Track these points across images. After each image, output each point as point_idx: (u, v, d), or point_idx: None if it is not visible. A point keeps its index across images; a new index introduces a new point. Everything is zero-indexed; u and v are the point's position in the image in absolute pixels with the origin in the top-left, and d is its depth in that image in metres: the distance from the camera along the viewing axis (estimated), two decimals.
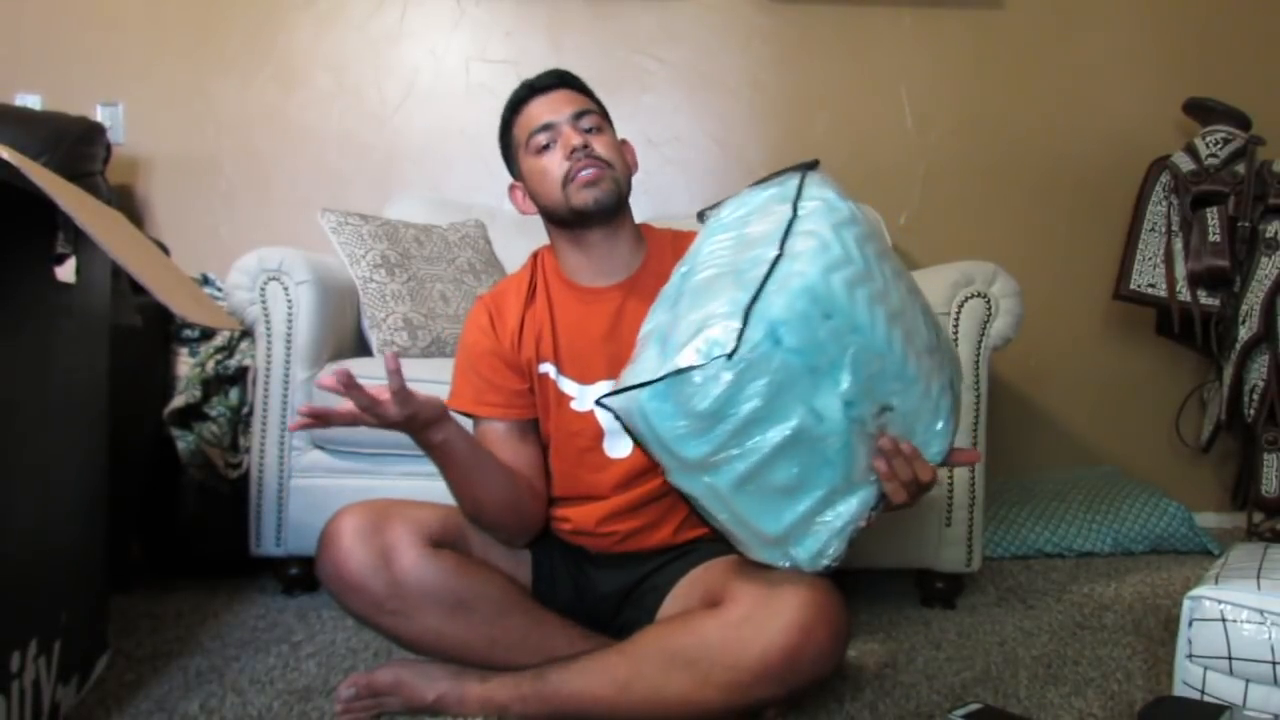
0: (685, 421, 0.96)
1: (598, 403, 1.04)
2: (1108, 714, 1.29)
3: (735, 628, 1.08)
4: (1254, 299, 2.29)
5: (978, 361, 1.74)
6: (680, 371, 0.94)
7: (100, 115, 2.45)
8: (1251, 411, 2.31)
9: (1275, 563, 1.28)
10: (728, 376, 0.93)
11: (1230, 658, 1.15)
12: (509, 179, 1.37)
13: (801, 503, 1.02)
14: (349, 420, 1.10)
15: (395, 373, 1.08)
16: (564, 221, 1.30)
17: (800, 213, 1.00)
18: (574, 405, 1.31)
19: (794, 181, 1.05)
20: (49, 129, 2.11)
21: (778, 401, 0.96)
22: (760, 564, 1.09)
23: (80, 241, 1.15)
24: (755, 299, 0.94)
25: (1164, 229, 2.42)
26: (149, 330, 1.89)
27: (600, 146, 1.27)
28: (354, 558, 1.20)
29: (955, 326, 1.73)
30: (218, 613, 1.70)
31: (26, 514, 1.05)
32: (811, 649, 1.06)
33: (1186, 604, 1.20)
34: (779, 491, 1.01)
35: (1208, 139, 2.38)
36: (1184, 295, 2.38)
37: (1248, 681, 1.15)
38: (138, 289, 1.58)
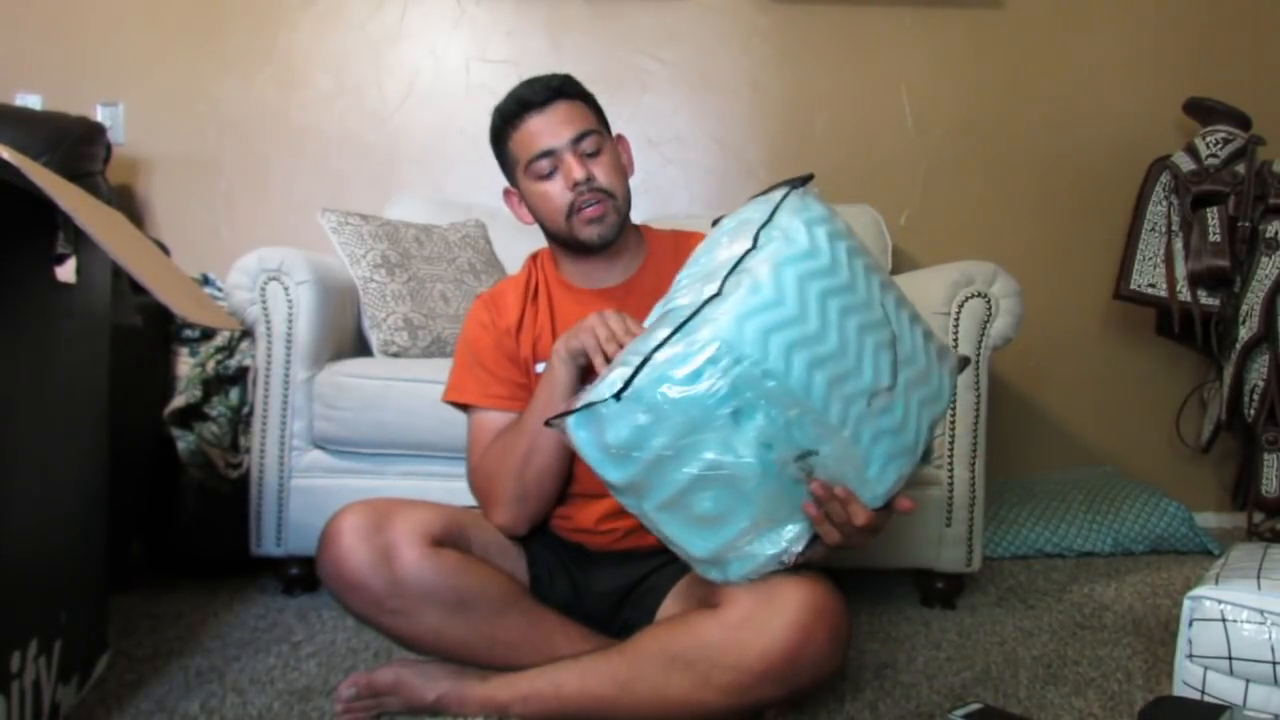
0: (600, 452, 1.01)
1: (546, 422, 1.06)
2: (1108, 714, 1.29)
3: (735, 628, 1.08)
4: (1254, 299, 2.29)
5: (978, 361, 1.74)
6: (590, 405, 0.98)
7: (100, 115, 2.45)
8: (1252, 411, 2.31)
9: (1275, 563, 1.28)
10: (621, 412, 0.96)
11: (1230, 658, 1.15)
12: (505, 180, 1.37)
13: (724, 533, 1.05)
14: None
15: None
16: (561, 243, 1.32)
17: (758, 243, 1.00)
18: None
19: (771, 204, 1.04)
20: (49, 129, 2.11)
21: (687, 440, 0.98)
22: (792, 549, 1.09)
23: (80, 241, 1.15)
24: (665, 341, 0.96)
25: (1164, 229, 2.42)
26: (149, 330, 1.89)
27: (602, 174, 1.27)
28: (354, 557, 1.20)
29: (955, 326, 1.73)
30: (218, 613, 1.70)
31: (26, 514, 1.05)
32: (811, 650, 1.06)
33: (1187, 604, 1.20)
34: (700, 520, 1.04)
35: (1208, 139, 2.38)
36: (1184, 295, 2.38)
37: (1248, 681, 1.15)
38: (138, 289, 1.58)
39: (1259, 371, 2.31)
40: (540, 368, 1.33)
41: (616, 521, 1.31)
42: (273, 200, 2.55)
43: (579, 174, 1.24)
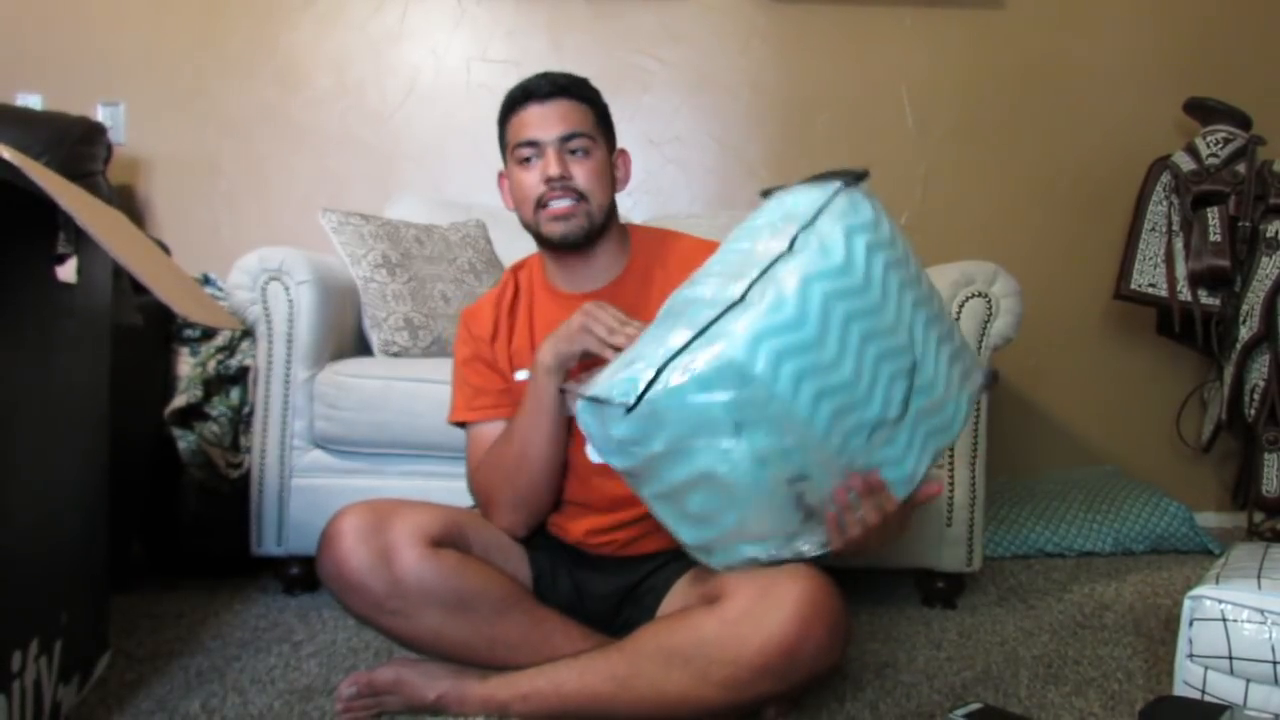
0: (604, 441, 1.03)
1: (561, 390, 1.09)
2: (1108, 714, 1.29)
3: (733, 624, 1.08)
4: (1254, 299, 2.29)
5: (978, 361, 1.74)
6: (596, 399, 0.99)
7: (101, 115, 2.45)
8: (1252, 411, 2.31)
9: (1276, 562, 1.28)
10: (630, 420, 0.97)
11: (1231, 657, 1.15)
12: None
13: (711, 530, 1.07)
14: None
15: None
16: (535, 237, 1.33)
17: (794, 247, 0.98)
18: None
19: (817, 203, 1.02)
20: (50, 129, 2.11)
21: (687, 444, 0.99)
22: (770, 558, 1.10)
23: (81, 241, 1.15)
24: (681, 350, 0.96)
25: (1165, 229, 2.42)
26: (150, 330, 1.89)
27: (581, 176, 1.27)
28: (354, 557, 1.20)
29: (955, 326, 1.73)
30: (218, 612, 1.70)
31: (27, 514, 1.05)
32: (810, 644, 1.07)
33: (1187, 604, 1.20)
34: (690, 515, 1.06)
35: (1208, 139, 2.38)
36: (1184, 295, 2.38)
37: (1248, 681, 1.15)
38: (139, 289, 1.58)
39: (1259, 371, 2.31)
40: (521, 375, 1.34)
41: (607, 535, 1.32)
42: (273, 200, 2.56)
43: (554, 170, 1.26)
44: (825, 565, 1.14)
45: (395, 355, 1.91)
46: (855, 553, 1.08)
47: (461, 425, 1.39)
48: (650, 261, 1.35)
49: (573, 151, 1.27)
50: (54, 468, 1.13)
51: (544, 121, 1.27)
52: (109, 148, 2.25)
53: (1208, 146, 2.37)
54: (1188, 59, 2.63)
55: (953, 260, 1.86)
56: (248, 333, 1.88)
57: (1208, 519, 2.58)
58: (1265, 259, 2.28)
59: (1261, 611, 1.14)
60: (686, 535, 1.09)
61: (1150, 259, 2.43)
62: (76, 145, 2.12)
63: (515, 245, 2.22)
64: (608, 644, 1.21)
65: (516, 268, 1.43)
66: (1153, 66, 2.64)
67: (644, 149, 2.56)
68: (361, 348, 1.99)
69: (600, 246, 1.33)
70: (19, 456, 1.02)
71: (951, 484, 1.75)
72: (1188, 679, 1.20)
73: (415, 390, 1.74)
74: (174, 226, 2.51)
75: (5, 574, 0.99)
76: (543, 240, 1.31)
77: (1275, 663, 1.12)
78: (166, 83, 2.53)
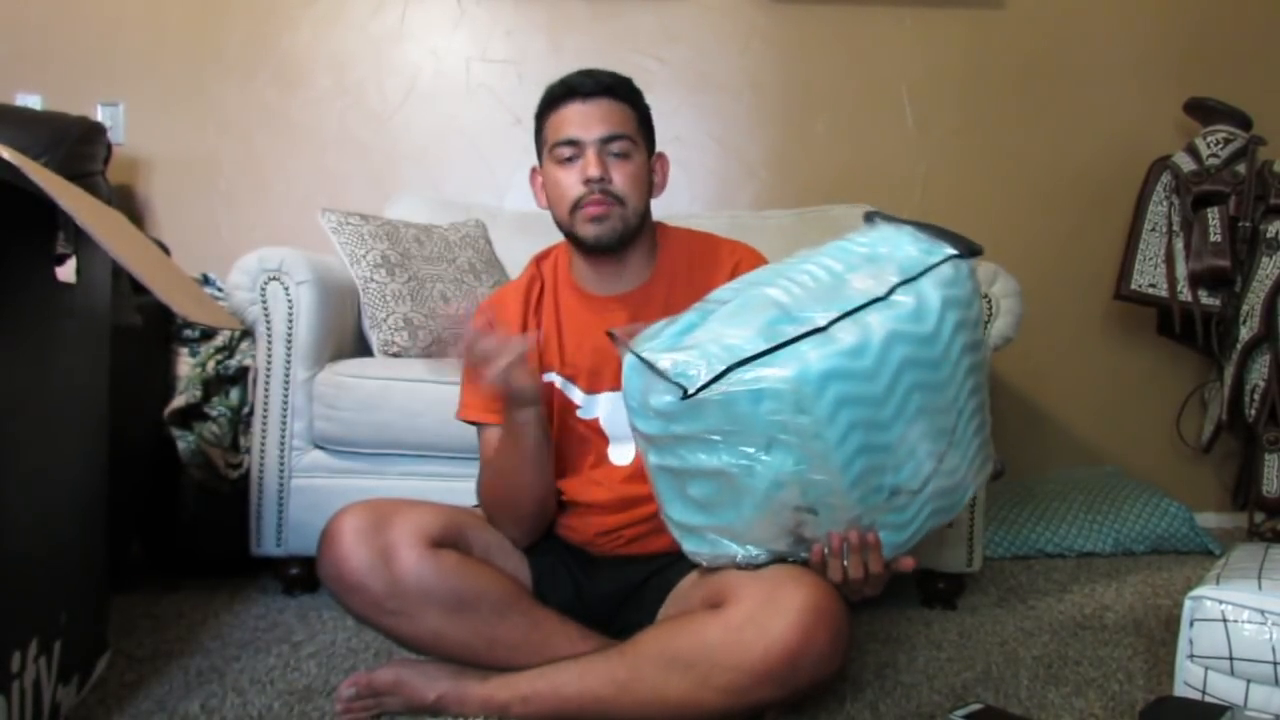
0: (639, 401, 1.03)
1: (608, 333, 1.07)
2: (1109, 714, 1.29)
3: (736, 629, 1.08)
4: (1255, 299, 2.29)
5: None
6: (652, 366, 0.99)
7: (101, 115, 2.45)
8: (1252, 411, 2.31)
9: (1276, 563, 1.28)
10: (681, 402, 0.97)
11: (1231, 658, 1.15)
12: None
13: (700, 517, 1.08)
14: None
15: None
16: (568, 237, 1.31)
17: (890, 298, 0.98)
18: (579, 413, 1.32)
19: (926, 260, 1.02)
20: (50, 129, 2.11)
21: (714, 439, 0.99)
22: (752, 566, 1.11)
23: (81, 241, 1.15)
24: (753, 358, 0.96)
25: (1165, 229, 2.42)
26: (149, 330, 1.89)
27: (620, 179, 1.26)
28: (354, 557, 1.20)
29: None
30: (218, 613, 1.70)
31: (26, 514, 1.05)
32: (812, 652, 1.06)
33: (1188, 604, 1.20)
34: (689, 497, 1.07)
35: (1208, 139, 2.38)
36: (1185, 295, 2.37)
37: (1249, 682, 1.15)
38: (138, 289, 1.58)
39: (1260, 371, 2.31)
40: (549, 377, 1.32)
41: (616, 534, 1.31)
42: (273, 200, 2.55)
43: (594, 171, 1.24)
44: None
45: (395, 355, 1.91)
46: None
47: (469, 423, 1.37)
48: (676, 265, 1.35)
49: (614, 154, 1.26)
50: (54, 468, 1.13)
51: (586, 121, 1.25)
52: (108, 148, 2.25)
53: (1208, 147, 2.37)
54: (1188, 59, 2.63)
55: None
56: (247, 333, 1.88)
57: (1208, 519, 2.58)
58: (1265, 259, 2.28)
59: (1262, 612, 1.14)
60: (674, 511, 1.09)
61: (1150, 259, 2.43)
62: (76, 145, 2.12)
63: (515, 245, 2.23)
64: (608, 646, 1.21)
65: (540, 258, 1.41)
66: (1153, 66, 2.64)
67: None
68: (361, 348, 1.99)
69: (632, 251, 1.32)
70: (19, 456, 1.02)
71: None
72: (1188, 680, 1.20)
73: (415, 390, 1.74)
74: (173, 226, 2.51)
75: (5, 574, 0.99)
76: (576, 241, 1.30)
77: (1276, 663, 1.12)
78: (166, 83, 2.52)
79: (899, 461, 1.02)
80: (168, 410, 1.86)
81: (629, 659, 1.14)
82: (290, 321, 1.79)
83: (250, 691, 1.33)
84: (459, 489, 1.69)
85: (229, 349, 1.93)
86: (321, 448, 1.80)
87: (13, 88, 2.44)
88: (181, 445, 1.85)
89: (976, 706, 1.21)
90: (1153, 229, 2.44)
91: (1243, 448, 2.46)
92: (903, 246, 1.04)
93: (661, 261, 1.35)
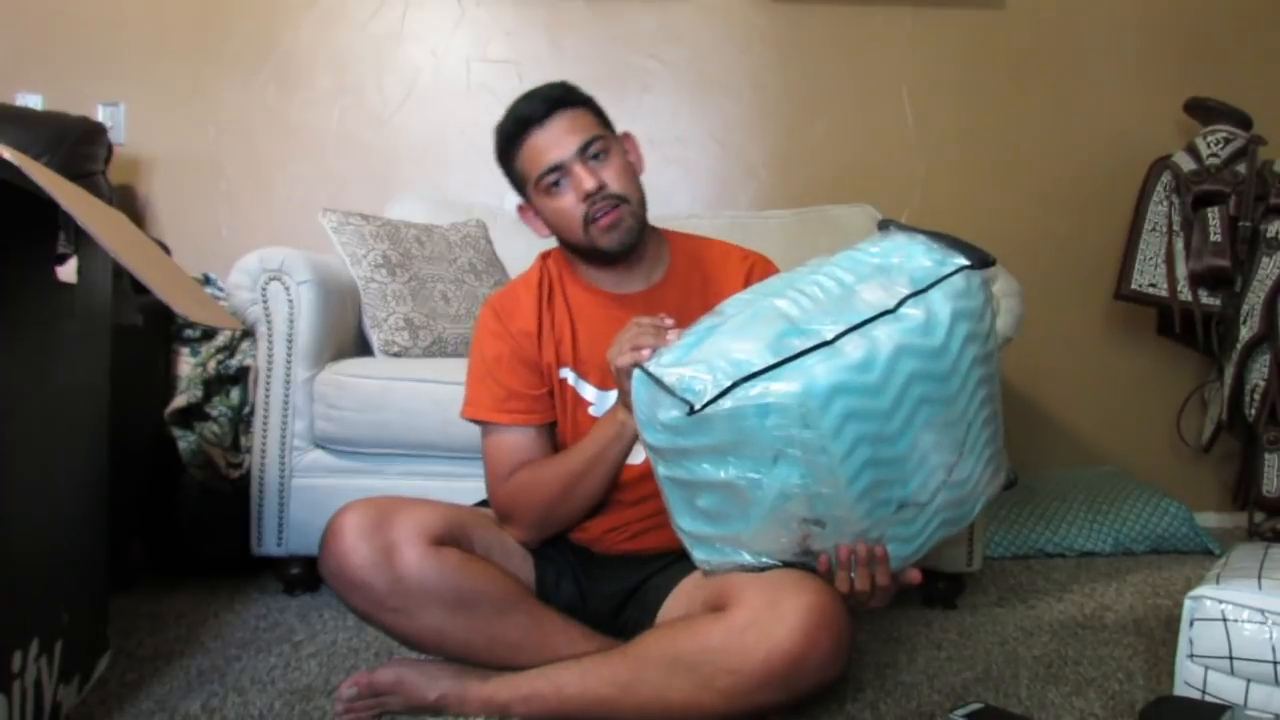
0: (647, 413, 1.03)
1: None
2: (1109, 714, 1.29)
3: (738, 633, 1.08)
4: (1255, 299, 2.29)
5: None
6: (659, 381, 1.00)
7: (102, 115, 2.45)
8: (1253, 411, 2.31)
9: (1276, 562, 1.28)
10: (688, 418, 0.98)
11: (1231, 657, 1.15)
12: (517, 195, 1.36)
13: (709, 528, 1.09)
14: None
15: None
16: (586, 255, 1.31)
17: (898, 311, 0.98)
18: (591, 410, 1.32)
19: (938, 271, 1.01)
20: (51, 129, 2.11)
21: (722, 452, 1.00)
22: (755, 568, 1.11)
23: (82, 241, 1.15)
24: (760, 373, 0.95)
25: (1165, 229, 2.42)
26: (150, 330, 1.89)
27: (613, 179, 1.25)
28: (357, 554, 1.19)
29: None
30: (219, 612, 1.70)
31: (27, 514, 1.05)
32: (814, 656, 1.06)
33: (1188, 604, 1.20)
34: (698, 508, 1.07)
35: (1209, 139, 2.38)
36: (1185, 295, 2.37)
37: (1249, 681, 1.15)
38: (139, 289, 1.58)
39: (1260, 371, 2.31)
40: (564, 373, 1.32)
41: (623, 529, 1.32)
42: (274, 200, 2.56)
43: (590, 184, 1.23)
44: None
45: (395, 355, 1.91)
46: None
47: (476, 422, 1.35)
48: (689, 265, 1.35)
49: (594, 157, 1.25)
50: (54, 467, 1.13)
51: (555, 141, 1.24)
52: (109, 148, 2.25)
53: (1208, 146, 2.37)
54: (1188, 59, 2.63)
55: None
56: (248, 333, 1.88)
57: (1208, 519, 2.58)
58: (1266, 259, 2.28)
59: (1262, 611, 1.14)
60: (684, 522, 1.10)
61: (1151, 259, 2.43)
62: (77, 145, 2.12)
63: (515, 245, 2.23)
64: (610, 647, 1.21)
65: (546, 255, 1.40)
66: (1153, 66, 2.64)
67: (644, 149, 2.53)
68: (362, 348, 1.99)
69: (645, 244, 1.32)
70: (19, 456, 1.02)
71: None
72: (1188, 679, 1.20)
73: (415, 390, 1.74)
74: (174, 226, 2.51)
75: (5, 574, 0.99)
76: (599, 254, 1.28)
77: (1275, 663, 1.12)
78: (166, 83, 2.53)
79: (907, 474, 1.02)
80: (168, 410, 1.86)
81: (631, 660, 1.14)
82: (291, 321, 1.79)
83: (251, 691, 1.33)
84: (459, 488, 1.69)
85: (230, 349, 1.93)
86: (322, 447, 1.80)
87: (13, 88, 2.44)
88: (182, 445, 1.85)
89: (976, 706, 1.21)
90: (1153, 229, 2.44)
91: (1243, 447, 2.46)
92: (915, 257, 1.03)
93: (674, 263, 1.36)
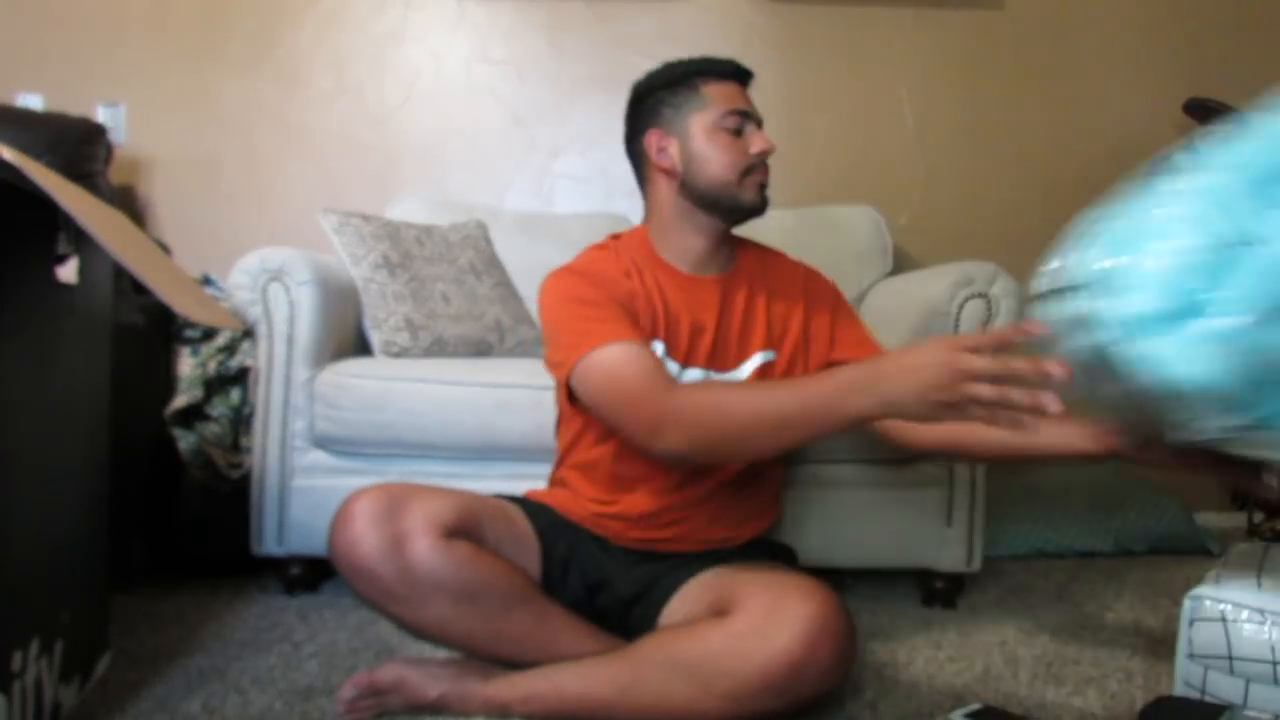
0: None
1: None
2: (1108, 714, 1.29)
3: (740, 638, 1.08)
4: None
5: None
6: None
7: (102, 116, 2.45)
8: None
9: (1276, 562, 1.28)
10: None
11: (1231, 657, 1.15)
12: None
13: None
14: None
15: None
16: (707, 202, 1.34)
17: None
18: None
19: None
20: (51, 130, 2.12)
21: None
22: (766, 568, 1.11)
23: (82, 241, 1.15)
24: None
25: None
26: (150, 330, 1.89)
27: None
28: (366, 543, 1.18)
29: (956, 327, 1.73)
30: (219, 612, 1.70)
31: (27, 514, 1.05)
32: (815, 664, 1.06)
33: (1187, 604, 1.20)
34: None
35: None
36: None
37: (1248, 681, 1.15)
38: (139, 289, 1.58)
39: None
40: (656, 345, 1.30)
41: (660, 515, 1.33)
42: (274, 200, 2.56)
43: (768, 146, 1.32)
44: (829, 569, 1.14)
45: (396, 356, 1.91)
46: None
47: (602, 350, 1.21)
48: (757, 263, 1.43)
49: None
50: (55, 468, 1.13)
51: (748, 102, 1.37)
52: (109, 148, 2.25)
53: None
54: (1188, 59, 2.63)
55: (953, 260, 1.86)
56: (248, 333, 1.89)
57: (1208, 519, 2.58)
58: None
59: (1261, 611, 1.14)
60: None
61: None
62: (77, 146, 2.12)
63: (516, 245, 2.23)
64: (612, 649, 1.21)
65: (614, 237, 1.42)
66: (1153, 66, 2.64)
67: None
68: (362, 348, 1.99)
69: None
70: (20, 457, 1.02)
71: (951, 484, 1.75)
72: (1187, 679, 1.20)
73: (416, 391, 1.74)
74: (174, 227, 2.52)
75: (5, 574, 1.00)
76: (733, 205, 1.33)
77: (1275, 663, 1.12)
78: (167, 83, 2.53)
79: None
80: (169, 410, 1.86)
81: (632, 662, 1.15)
82: (291, 322, 1.79)
83: (251, 691, 1.33)
84: (460, 489, 1.70)
85: (230, 349, 1.94)
86: (322, 448, 1.80)
87: (13, 88, 2.44)
88: (183, 445, 1.85)
89: (976, 706, 1.21)
90: None
91: None
92: None
93: (743, 258, 1.42)
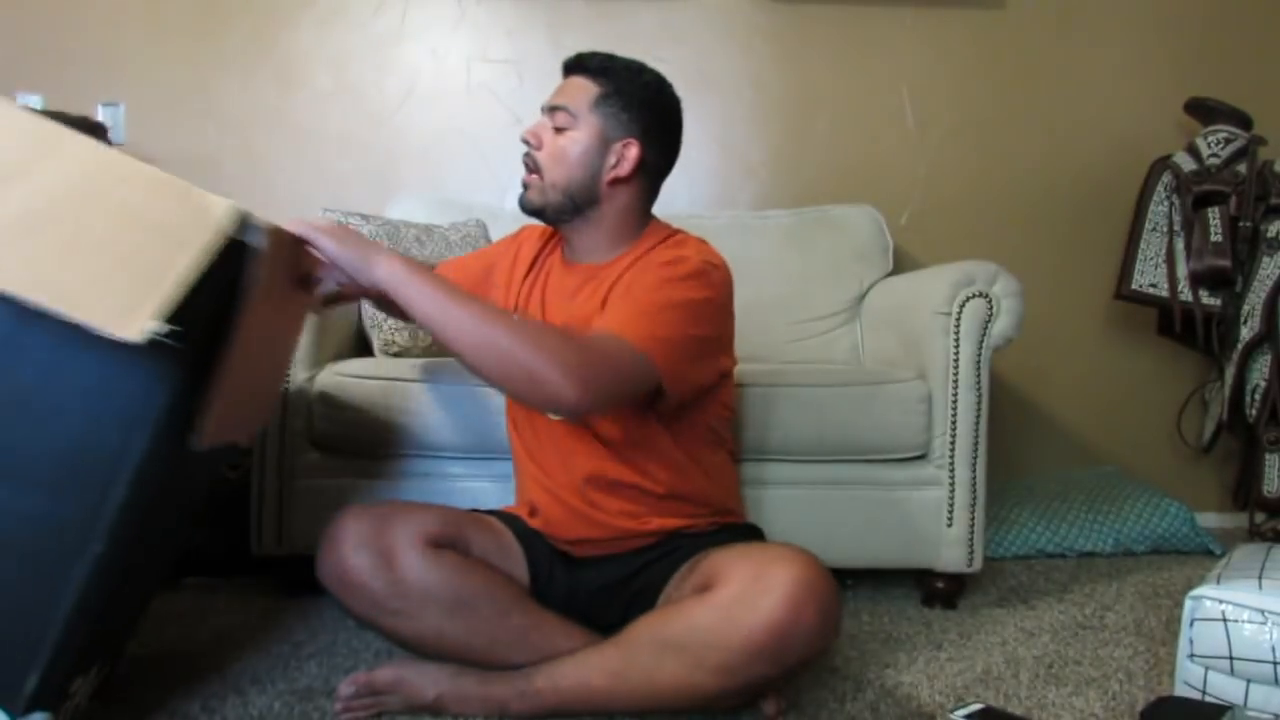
0: None
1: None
2: (1109, 714, 1.29)
3: (726, 609, 1.09)
4: (1255, 299, 2.29)
5: (979, 361, 1.74)
6: None
7: (101, 115, 2.45)
8: (1253, 411, 2.31)
9: (1277, 563, 1.28)
10: None
11: (1231, 658, 1.15)
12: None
13: None
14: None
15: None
16: None
17: None
18: None
19: None
20: None
21: None
22: (748, 546, 1.12)
23: None
24: None
25: (1165, 229, 2.42)
26: None
27: (545, 150, 1.30)
28: (355, 559, 1.20)
29: (957, 326, 1.73)
30: (219, 612, 1.70)
31: (140, 560, 1.07)
32: (802, 626, 1.07)
33: (1188, 604, 1.20)
34: None
35: (1209, 139, 2.38)
36: (1185, 295, 2.37)
37: (1249, 681, 1.15)
38: None
39: (1260, 371, 2.31)
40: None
41: (595, 544, 1.32)
42: (273, 200, 2.55)
43: (527, 134, 1.31)
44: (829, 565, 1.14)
45: (395, 355, 1.91)
46: None
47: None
48: (650, 253, 1.32)
49: (555, 126, 1.30)
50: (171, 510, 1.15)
51: (556, 90, 1.33)
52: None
53: (1208, 146, 2.37)
54: (1188, 59, 2.63)
55: (953, 260, 1.86)
56: None
57: (1209, 519, 2.58)
58: (1266, 259, 2.28)
59: (1262, 612, 1.14)
60: None
61: (1151, 259, 2.43)
62: None
63: None
64: (604, 640, 1.21)
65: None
66: (1153, 66, 2.64)
67: None
68: (361, 348, 1.99)
69: (579, 228, 1.33)
70: (159, 510, 1.04)
71: (952, 484, 1.75)
72: (1188, 679, 1.20)
73: (415, 390, 1.74)
74: None
75: (108, 614, 1.00)
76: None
77: (1276, 663, 1.12)
78: (166, 83, 2.52)
79: None
80: None
81: (622, 648, 1.16)
82: None
83: (251, 691, 1.33)
84: (460, 489, 1.70)
85: None
86: (322, 448, 1.80)
87: (13, 88, 2.44)
88: None
89: (976, 706, 1.21)
90: (1153, 229, 2.43)
91: (1243, 448, 2.45)
92: None
93: (633, 249, 1.33)
